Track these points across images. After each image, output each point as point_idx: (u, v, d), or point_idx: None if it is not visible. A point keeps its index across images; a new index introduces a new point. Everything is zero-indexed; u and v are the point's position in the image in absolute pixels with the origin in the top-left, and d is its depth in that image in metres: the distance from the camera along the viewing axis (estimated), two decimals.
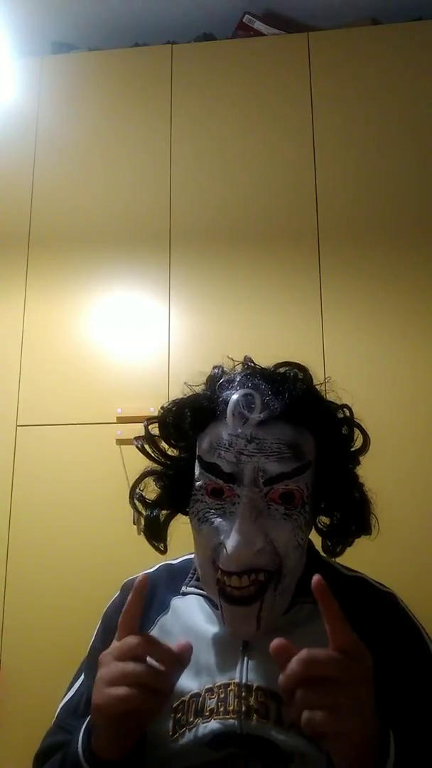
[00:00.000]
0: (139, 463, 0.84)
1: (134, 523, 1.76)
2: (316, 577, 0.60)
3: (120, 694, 0.59)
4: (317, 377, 0.83)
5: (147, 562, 0.90)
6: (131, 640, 0.62)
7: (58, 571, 1.77)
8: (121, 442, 1.81)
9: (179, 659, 0.62)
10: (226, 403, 0.73)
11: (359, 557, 0.85)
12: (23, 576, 1.78)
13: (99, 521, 1.78)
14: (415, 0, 2.18)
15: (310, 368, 0.82)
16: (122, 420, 1.83)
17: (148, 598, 0.82)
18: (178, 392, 0.82)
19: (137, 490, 0.82)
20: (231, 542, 0.69)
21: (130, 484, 0.83)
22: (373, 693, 0.58)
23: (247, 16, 2.21)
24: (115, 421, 1.84)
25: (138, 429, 0.84)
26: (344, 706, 0.55)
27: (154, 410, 0.84)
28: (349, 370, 1.80)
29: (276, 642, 0.59)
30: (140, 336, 1.94)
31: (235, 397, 0.73)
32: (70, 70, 2.20)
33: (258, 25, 2.19)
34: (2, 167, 2.12)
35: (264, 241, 1.96)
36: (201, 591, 0.79)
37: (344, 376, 0.83)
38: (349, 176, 1.97)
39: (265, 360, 0.84)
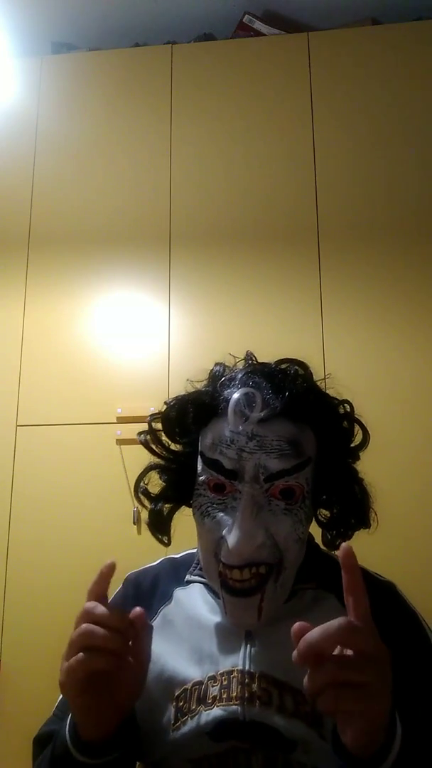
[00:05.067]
0: (139, 462, 0.84)
1: (134, 523, 1.76)
2: (345, 546, 0.60)
3: (72, 661, 0.60)
4: (318, 375, 0.84)
5: (147, 561, 0.91)
6: (85, 605, 0.62)
7: (58, 570, 1.77)
8: (121, 442, 1.81)
9: (131, 621, 0.62)
10: (228, 401, 0.74)
11: (357, 550, 0.85)
12: (23, 575, 1.78)
13: (99, 521, 1.78)
14: (415, 0, 2.18)
15: (311, 365, 0.83)
16: (122, 420, 1.83)
17: (151, 590, 0.84)
18: (178, 392, 0.83)
19: (141, 484, 0.83)
20: (232, 538, 0.70)
21: (130, 484, 0.84)
22: (391, 674, 0.57)
23: (247, 16, 2.21)
24: (115, 421, 1.84)
25: (138, 429, 0.85)
26: (372, 684, 0.54)
27: (154, 410, 0.85)
28: (349, 368, 1.80)
29: (297, 625, 0.57)
30: (140, 336, 1.94)
31: (236, 395, 0.74)
32: (70, 70, 2.20)
33: (258, 25, 2.20)
34: (2, 167, 2.13)
35: (264, 241, 1.96)
36: (203, 579, 0.81)
37: (344, 374, 0.84)
38: (349, 176, 1.97)
39: (265, 359, 0.85)
